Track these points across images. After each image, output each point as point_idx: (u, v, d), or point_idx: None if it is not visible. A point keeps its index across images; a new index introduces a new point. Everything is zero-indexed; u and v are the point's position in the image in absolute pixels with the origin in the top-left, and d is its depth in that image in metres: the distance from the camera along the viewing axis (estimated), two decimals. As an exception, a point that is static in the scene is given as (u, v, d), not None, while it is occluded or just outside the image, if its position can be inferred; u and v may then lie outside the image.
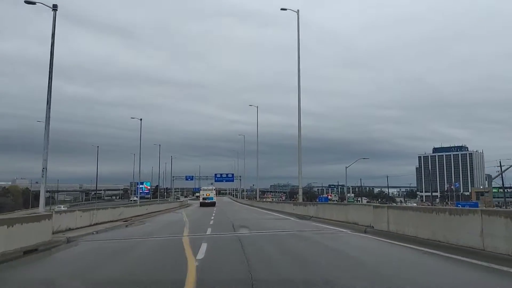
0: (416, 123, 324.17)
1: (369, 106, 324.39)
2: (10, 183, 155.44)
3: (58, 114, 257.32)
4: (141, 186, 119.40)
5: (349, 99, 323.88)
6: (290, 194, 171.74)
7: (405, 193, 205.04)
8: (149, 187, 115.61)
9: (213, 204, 59.82)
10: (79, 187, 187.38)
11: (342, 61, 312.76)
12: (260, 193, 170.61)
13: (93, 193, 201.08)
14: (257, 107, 56.37)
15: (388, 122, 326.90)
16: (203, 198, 63.17)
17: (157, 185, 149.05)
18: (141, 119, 44.68)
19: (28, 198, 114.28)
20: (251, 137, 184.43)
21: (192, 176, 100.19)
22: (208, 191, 64.97)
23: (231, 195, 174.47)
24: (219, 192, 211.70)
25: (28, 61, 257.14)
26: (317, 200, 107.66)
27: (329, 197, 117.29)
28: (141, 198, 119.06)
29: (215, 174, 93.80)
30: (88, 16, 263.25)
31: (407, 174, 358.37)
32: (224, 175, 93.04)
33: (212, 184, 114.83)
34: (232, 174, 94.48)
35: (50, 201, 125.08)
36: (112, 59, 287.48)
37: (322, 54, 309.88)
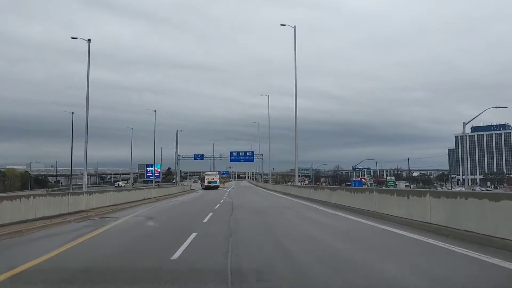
0: (440, 106, 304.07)
1: (394, 88, 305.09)
2: (25, 167, 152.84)
3: (80, 100, 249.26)
4: (150, 169, 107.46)
5: (374, 81, 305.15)
6: (315, 178, 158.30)
7: (432, 176, 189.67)
8: (159, 170, 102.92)
9: (216, 187, 68.58)
10: (94, 171, 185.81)
11: (368, 42, 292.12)
12: (280, 176, 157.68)
13: (108, 177, 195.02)
14: (294, 26, 40.25)
15: (413, 104, 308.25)
16: (208, 182, 70.57)
17: (168, 168, 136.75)
18: (88, 40, 30.07)
19: (27, 181, 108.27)
20: (273, 121, 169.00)
21: (202, 155, 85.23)
22: (212, 176, 72.90)
23: (250, 178, 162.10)
24: (238, 176, 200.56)
25: (53, 47, 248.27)
26: (350, 184, 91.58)
27: (363, 180, 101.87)
28: (147, 182, 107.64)
29: (231, 153, 78.17)
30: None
31: (432, 156, 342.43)
32: (242, 154, 77.61)
33: (230, 167, 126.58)
34: (252, 153, 79.13)
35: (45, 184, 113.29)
36: (136, 43, 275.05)
37: (348, 35, 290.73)
